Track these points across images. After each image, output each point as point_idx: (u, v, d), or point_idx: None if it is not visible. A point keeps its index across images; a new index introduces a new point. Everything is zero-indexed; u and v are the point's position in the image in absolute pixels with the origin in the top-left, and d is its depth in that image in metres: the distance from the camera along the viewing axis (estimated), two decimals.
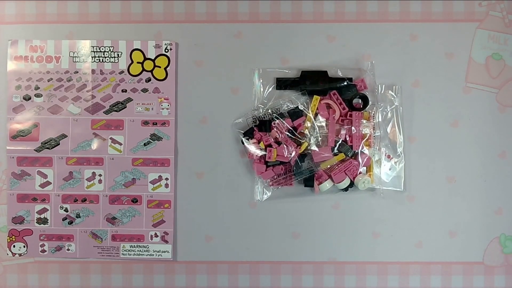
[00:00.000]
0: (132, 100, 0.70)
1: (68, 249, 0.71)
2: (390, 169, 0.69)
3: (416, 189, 0.70)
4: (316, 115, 0.68)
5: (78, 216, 0.71)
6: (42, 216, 0.71)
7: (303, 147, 0.66)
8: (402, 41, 0.70)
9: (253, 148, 0.67)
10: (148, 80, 0.70)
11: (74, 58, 0.70)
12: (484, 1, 0.70)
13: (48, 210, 0.71)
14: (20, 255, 0.71)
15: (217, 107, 0.70)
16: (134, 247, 0.70)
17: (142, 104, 0.70)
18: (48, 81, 0.70)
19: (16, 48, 0.70)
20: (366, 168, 0.68)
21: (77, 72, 0.70)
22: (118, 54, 0.70)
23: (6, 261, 0.71)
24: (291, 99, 0.68)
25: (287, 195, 0.70)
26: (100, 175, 0.70)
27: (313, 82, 0.68)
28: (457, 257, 0.70)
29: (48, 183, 0.70)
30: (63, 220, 0.71)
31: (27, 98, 0.70)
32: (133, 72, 0.70)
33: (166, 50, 0.70)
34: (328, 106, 0.69)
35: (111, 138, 0.70)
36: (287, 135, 0.67)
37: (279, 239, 0.70)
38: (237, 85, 0.70)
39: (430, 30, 0.70)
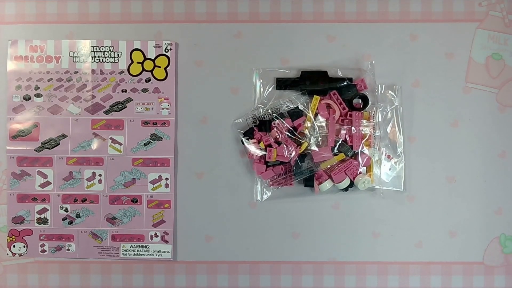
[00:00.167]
0: (132, 100, 0.70)
1: (68, 249, 0.71)
2: (390, 169, 0.69)
3: (416, 189, 0.70)
4: (316, 115, 0.68)
5: (78, 216, 0.71)
6: (42, 216, 0.71)
7: (303, 147, 0.66)
8: (402, 41, 0.70)
9: (253, 148, 0.67)
10: (148, 80, 0.70)
11: (74, 58, 0.70)
12: (484, 1, 0.70)
13: (48, 210, 0.71)
14: (20, 255, 0.71)
15: (217, 107, 0.70)
16: (134, 247, 0.70)
17: (142, 104, 0.70)
18: (48, 81, 0.70)
19: (16, 48, 0.70)
20: (366, 168, 0.68)
21: (77, 72, 0.70)
22: (118, 54, 0.70)
23: (6, 261, 0.71)
24: (291, 99, 0.68)
25: (287, 195, 0.70)
26: (100, 175, 0.70)
27: (313, 82, 0.68)
28: (457, 257, 0.70)
29: (48, 183, 0.70)
30: (63, 220, 0.71)
31: (27, 98, 0.70)
32: (133, 72, 0.70)
33: (166, 50, 0.70)
34: (328, 106, 0.69)
35: (111, 138, 0.70)
36: (287, 135, 0.67)
37: (279, 239, 0.70)
38: (237, 85, 0.70)
39: (430, 30, 0.70)
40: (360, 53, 0.70)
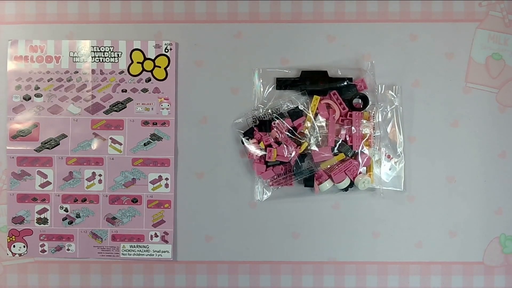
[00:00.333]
0: (132, 100, 0.70)
1: (68, 249, 0.71)
2: (390, 169, 0.69)
3: (416, 189, 0.70)
4: (316, 115, 0.68)
5: (78, 216, 0.71)
6: (42, 216, 0.71)
7: (303, 147, 0.66)
8: (402, 41, 0.70)
9: (253, 148, 0.67)
10: (148, 80, 0.70)
11: (74, 58, 0.70)
12: (484, 1, 0.70)
13: (48, 210, 0.71)
14: (20, 255, 0.71)
15: (217, 107, 0.70)
16: (134, 247, 0.70)
17: (142, 104, 0.70)
18: (48, 81, 0.70)
19: (16, 48, 0.70)
20: (366, 168, 0.68)
21: (77, 72, 0.70)
22: (118, 54, 0.70)
23: (6, 261, 0.71)
24: (291, 99, 0.68)
25: (287, 195, 0.70)
26: (100, 175, 0.70)
27: (313, 82, 0.68)
28: (457, 257, 0.70)
29: (48, 183, 0.70)
30: (63, 220, 0.71)
31: (27, 98, 0.70)
32: (133, 72, 0.70)
33: (166, 50, 0.70)
34: (328, 106, 0.69)
35: (111, 138, 0.70)
36: (287, 135, 0.67)
37: (279, 239, 0.70)
38: (237, 85, 0.70)
39: (430, 30, 0.70)
40: (360, 53, 0.70)
